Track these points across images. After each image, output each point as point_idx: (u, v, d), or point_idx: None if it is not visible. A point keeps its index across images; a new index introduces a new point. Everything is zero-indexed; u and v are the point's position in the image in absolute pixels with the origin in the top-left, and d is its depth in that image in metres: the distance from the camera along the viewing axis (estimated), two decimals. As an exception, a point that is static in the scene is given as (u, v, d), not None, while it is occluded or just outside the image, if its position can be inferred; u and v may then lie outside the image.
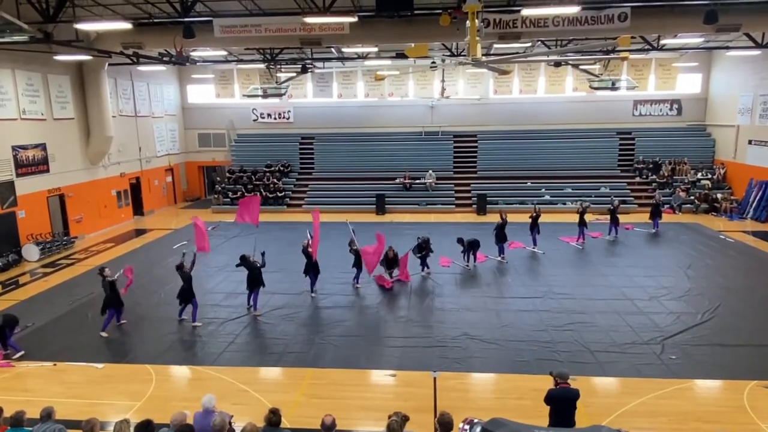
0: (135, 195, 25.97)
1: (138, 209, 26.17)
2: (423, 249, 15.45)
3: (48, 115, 20.02)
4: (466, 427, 5.91)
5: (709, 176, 26.20)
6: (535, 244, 18.15)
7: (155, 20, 17.14)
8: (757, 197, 23.03)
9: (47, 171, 19.87)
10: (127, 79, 25.38)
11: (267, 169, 28.66)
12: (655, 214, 20.52)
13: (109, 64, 21.86)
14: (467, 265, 16.22)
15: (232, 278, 15.48)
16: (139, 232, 22.77)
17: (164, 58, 22.32)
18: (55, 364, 10.38)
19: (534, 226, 18.03)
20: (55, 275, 16.67)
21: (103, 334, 11.71)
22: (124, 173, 24.87)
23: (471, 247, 16.13)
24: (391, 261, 14.86)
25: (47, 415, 6.39)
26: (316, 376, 9.70)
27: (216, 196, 27.81)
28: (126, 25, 15.08)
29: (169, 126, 29.56)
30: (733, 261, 16.72)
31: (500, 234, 16.62)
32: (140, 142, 26.37)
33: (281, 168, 28.89)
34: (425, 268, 15.71)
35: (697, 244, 18.87)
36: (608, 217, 19.80)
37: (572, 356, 10.28)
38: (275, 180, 27.94)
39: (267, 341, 11.36)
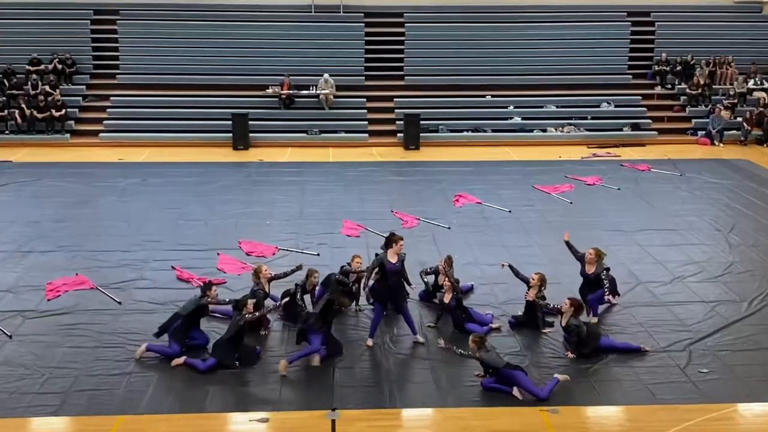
0: None
1: None
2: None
3: None
4: None
5: (766, 86, 21.21)
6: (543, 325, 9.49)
7: None
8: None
9: None
10: None
11: (32, 68, 20.71)
12: (593, 289, 10.12)
13: None
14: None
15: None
16: None
17: None
18: None
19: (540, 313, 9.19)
20: None
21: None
22: None
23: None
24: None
25: None
26: (130, 428, 7.18)
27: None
28: None
29: None
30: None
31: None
32: None
33: (59, 66, 21.09)
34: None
35: (744, 193, 15.96)
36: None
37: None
38: (48, 88, 20.14)
39: (39, 372, 7.86)
